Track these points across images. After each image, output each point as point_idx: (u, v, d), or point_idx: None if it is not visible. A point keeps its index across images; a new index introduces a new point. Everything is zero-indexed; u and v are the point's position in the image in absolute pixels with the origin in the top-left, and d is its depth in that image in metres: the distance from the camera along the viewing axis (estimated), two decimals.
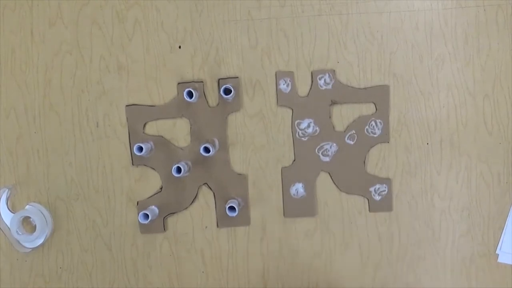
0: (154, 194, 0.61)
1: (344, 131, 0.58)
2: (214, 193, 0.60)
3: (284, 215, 0.59)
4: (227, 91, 0.57)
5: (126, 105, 0.60)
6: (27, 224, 0.61)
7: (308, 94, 0.58)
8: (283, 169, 0.59)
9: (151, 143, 0.60)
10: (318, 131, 0.58)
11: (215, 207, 0.60)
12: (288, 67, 0.59)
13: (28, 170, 0.61)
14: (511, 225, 0.59)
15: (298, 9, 0.59)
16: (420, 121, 0.59)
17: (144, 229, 0.61)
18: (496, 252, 0.59)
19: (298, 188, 0.59)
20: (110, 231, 0.61)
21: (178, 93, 0.60)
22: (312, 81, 0.58)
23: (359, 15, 0.58)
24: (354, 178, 0.59)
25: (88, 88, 0.60)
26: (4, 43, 0.60)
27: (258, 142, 0.60)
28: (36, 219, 0.59)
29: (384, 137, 0.58)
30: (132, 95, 0.60)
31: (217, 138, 0.60)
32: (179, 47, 0.60)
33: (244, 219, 0.60)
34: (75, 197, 0.61)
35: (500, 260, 0.59)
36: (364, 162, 0.59)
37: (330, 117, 0.58)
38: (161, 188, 0.60)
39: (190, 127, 0.60)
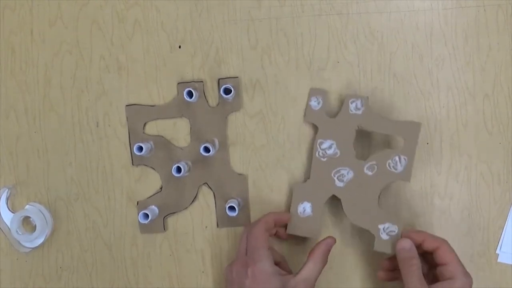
0: (154, 194, 0.61)
1: (365, 160, 0.56)
2: (214, 193, 0.60)
3: (286, 230, 0.58)
4: (227, 91, 0.57)
5: (126, 105, 0.60)
6: (27, 224, 0.61)
7: (337, 115, 0.57)
8: (296, 185, 0.58)
9: (151, 143, 0.60)
10: (338, 154, 0.56)
11: (215, 207, 0.60)
12: (288, 67, 0.59)
13: (28, 170, 0.61)
14: (511, 225, 0.59)
15: (298, 9, 0.59)
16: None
17: (144, 229, 0.61)
18: (496, 252, 0.59)
19: (306, 207, 0.57)
20: (110, 231, 0.61)
21: (178, 93, 0.60)
22: (342, 104, 0.57)
23: (359, 15, 0.58)
24: (364, 210, 0.56)
25: (88, 88, 0.60)
26: (4, 43, 0.60)
27: (258, 142, 0.60)
28: (36, 219, 0.59)
29: (405, 175, 0.55)
30: (132, 95, 0.60)
31: (217, 138, 0.60)
32: (179, 47, 0.60)
33: (244, 219, 0.60)
34: (75, 197, 0.61)
35: (500, 260, 0.59)
36: (379, 196, 0.56)
37: (353, 143, 0.56)
38: (161, 188, 0.60)
39: (190, 127, 0.60)
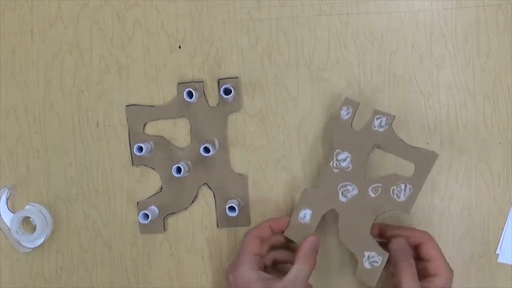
0: (154, 194, 0.61)
1: (372, 180, 0.54)
2: (214, 193, 0.60)
3: (283, 233, 0.57)
4: (227, 91, 0.57)
5: (126, 105, 0.60)
6: (27, 224, 0.61)
7: (361, 129, 0.55)
8: (306, 190, 0.56)
9: (151, 143, 0.60)
10: (350, 168, 0.55)
11: (215, 207, 0.60)
12: (288, 67, 0.59)
13: (28, 170, 0.61)
14: (511, 225, 0.59)
15: (298, 9, 0.59)
16: (420, 121, 0.59)
17: (144, 229, 0.61)
18: (496, 252, 0.59)
19: (306, 214, 0.56)
20: (110, 231, 0.61)
21: (178, 93, 0.60)
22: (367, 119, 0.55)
23: (359, 15, 0.58)
24: (356, 232, 0.54)
25: (88, 88, 0.60)
26: (4, 43, 0.60)
27: (258, 142, 0.60)
28: (36, 219, 0.59)
29: (406, 207, 0.52)
30: (132, 95, 0.60)
31: (217, 138, 0.60)
32: (179, 47, 0.60)
33: (244, 219, 0.60)
34: (75, 197, 0.61)
35: (500, 260, 0.59)
36: (373, 221, 0.54)
37: (366, 160, 0.54)
38: (161, 188, 0.60)
39: (190, 127, 0.60)
